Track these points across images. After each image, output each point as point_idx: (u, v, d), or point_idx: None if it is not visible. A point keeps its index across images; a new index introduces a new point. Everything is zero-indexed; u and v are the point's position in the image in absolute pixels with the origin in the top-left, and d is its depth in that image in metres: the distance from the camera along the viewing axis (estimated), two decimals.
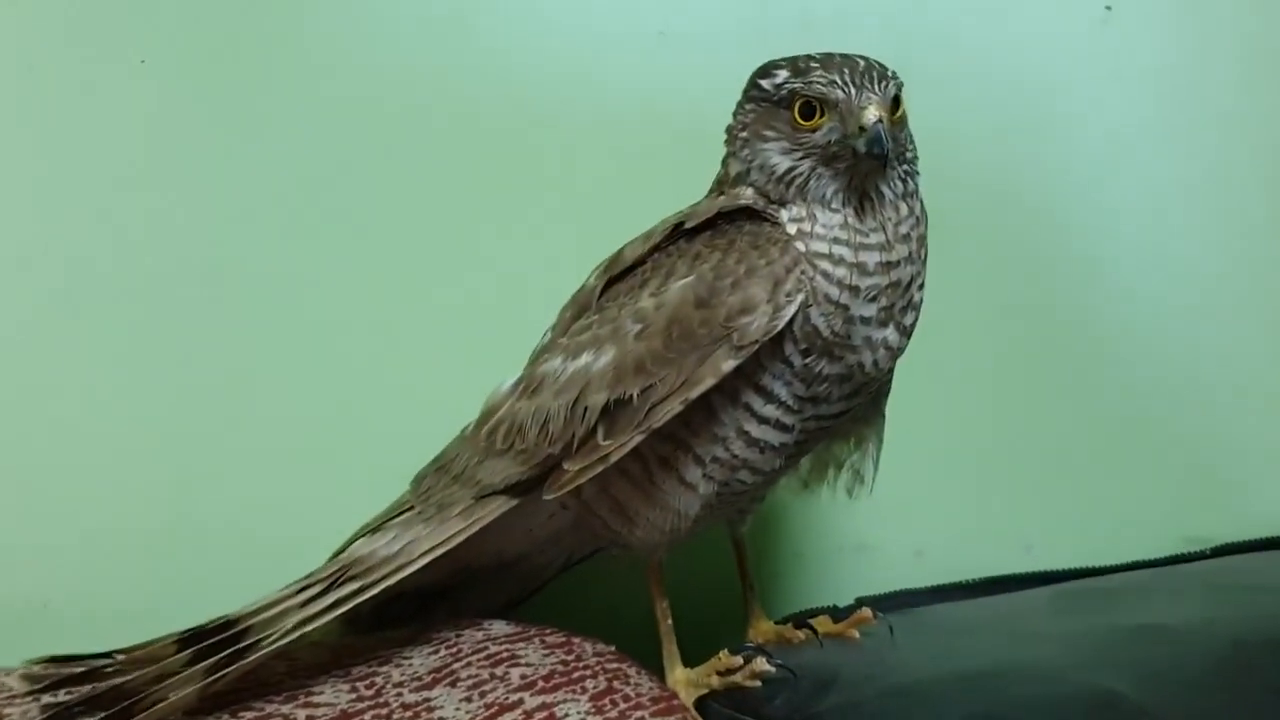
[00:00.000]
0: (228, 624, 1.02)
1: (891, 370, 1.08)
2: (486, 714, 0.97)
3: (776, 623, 1.22)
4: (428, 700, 0.99)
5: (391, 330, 1.38)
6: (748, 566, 1.23)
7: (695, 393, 0.97)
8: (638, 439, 0.99)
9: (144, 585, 1.31)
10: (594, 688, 1.01)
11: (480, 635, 1.10)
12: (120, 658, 1.04)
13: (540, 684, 1.01)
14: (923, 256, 1.03)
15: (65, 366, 1.34)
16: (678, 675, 1.10)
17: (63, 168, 1.35)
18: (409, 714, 0.98)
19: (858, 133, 0.95)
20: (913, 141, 1.04)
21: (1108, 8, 1.54)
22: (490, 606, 1.23)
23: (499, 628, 1.13)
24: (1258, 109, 1.61)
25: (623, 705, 0.99)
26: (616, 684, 1.02)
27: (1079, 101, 1.56)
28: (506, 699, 0.99)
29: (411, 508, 1.14)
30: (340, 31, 1.39)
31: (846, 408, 1.05)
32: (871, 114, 0.95)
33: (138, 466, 1.34)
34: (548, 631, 1.11)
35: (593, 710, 0.98)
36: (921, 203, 1.04)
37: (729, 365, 0.96)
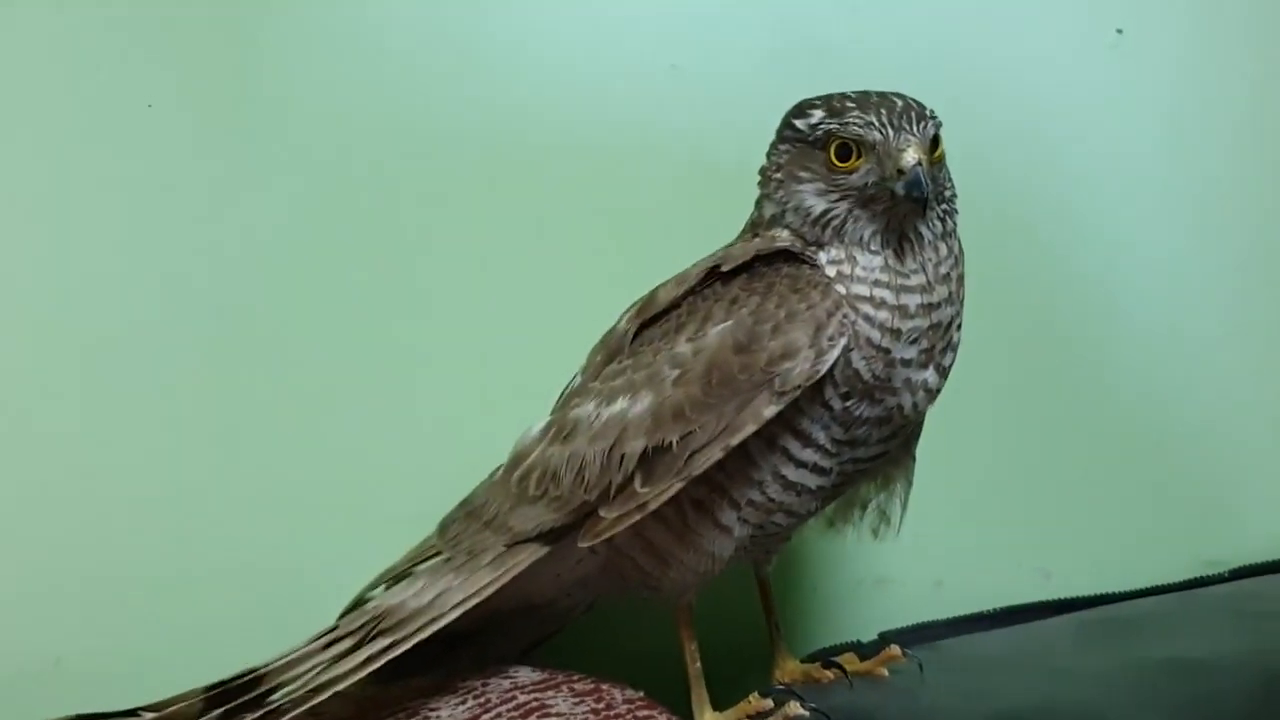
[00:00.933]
0: (254, 680, 1.02)
1: (925, 412, 1.08)
2: None
3: (801, 660, 1.21)
4: None
5: (411, 371, 1.39)
6: (773, 605, 1.22)
7: (736, 439, 0.96)
8: (677, 486, 0.98)
9: (158, 636, 1.30)
10: None
11: (507, 684, 1.09)
12: (147, 717, 1.03)
13: None
14: (961, 296, 1.03)
15: (70, 416, 1.33)
16: (708, 717, 1.08)
17: (69, 214, 1.35)
18: None
19: (896, 175, 0.95)
20: (951, 180, 1.04)
21: (1119, 31, 1.56)
22: (514, 649, 1.22)
23: (525, 675, 1.11)
24: (1269, 131, 1.63)
25: None
26: None
27: (1090, 123, 1.57)
28: None
29: (438, 553, 1.14)
30: (353, 71, 1.40)
31: (884, 450, 1.05)
32: (910, 156, 0.95)
33: (147, 516, 1.33)
34: (575, 678, 1.11)
35: None
36: (959, 241, 1.04)
37: (771, 411, 0.96)
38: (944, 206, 1.02)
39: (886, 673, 1.17)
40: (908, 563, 1.50)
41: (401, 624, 1.05)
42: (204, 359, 1.35)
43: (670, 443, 0.98)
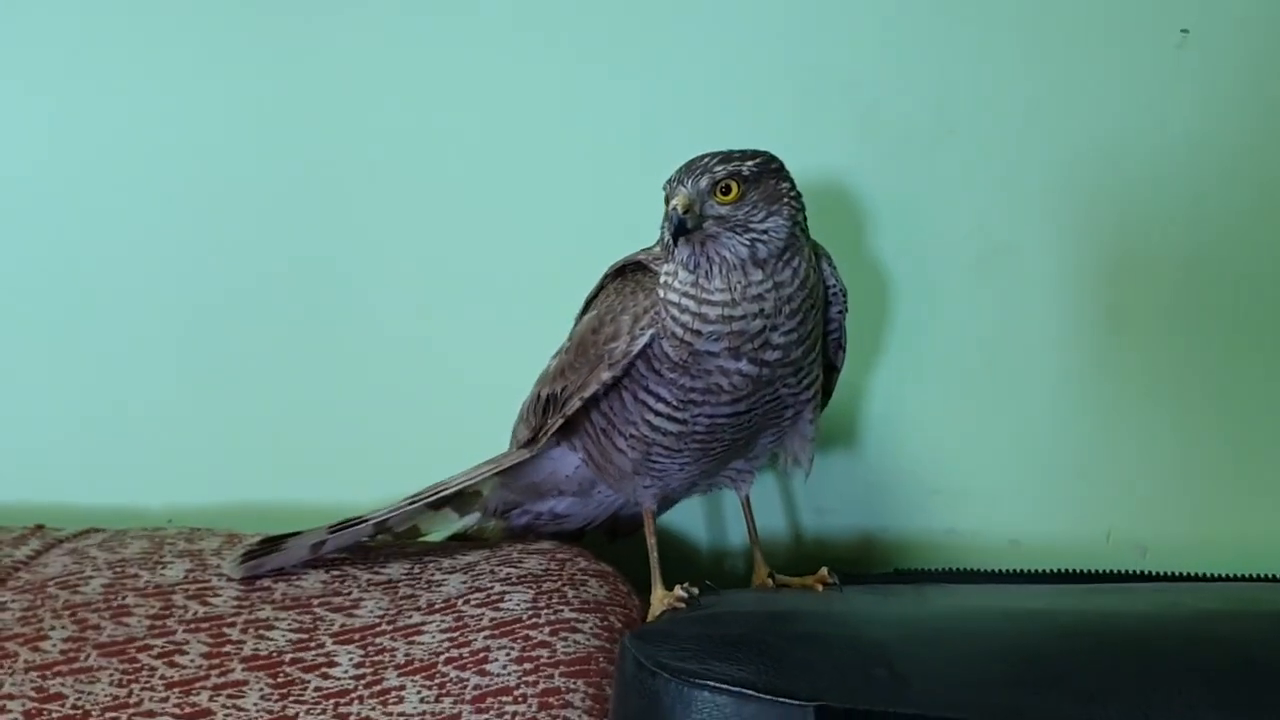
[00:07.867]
0: (359, 518, 1.50)
1: (785, 392, 1.32)
2: (468, 592, 1.40)
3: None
4: (446, 579, 1.44)
5: (478, 339, 1.76)
6: (753, 525, 1.50)
7: (588, 394, 1.32)
8: (560, 421, 1.38)
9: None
10: (548, 587, 1.39)
11: (519, 545, 1.52)
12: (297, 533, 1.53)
13: (515, 580, 1.41)
14: (785, 311, 1.25)
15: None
16: (658, 593, 1.38)
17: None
18: (429, 587, 1.43)
19: (670, 215, 1.24)
20: (770, 217, 1.24)
21: (1184, 30, 1.52)
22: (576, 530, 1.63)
23: (543, 545, 1.52)
24: None
25: (555, 600, 1.37)
26: (567, 588, 1.39)
27: None
28: (485, 585, 1.41)
29: None
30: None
31: (734, 411, 1.31)
32: (674, 202, 1.23)
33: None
34: (560, 550, 1.50)
35: (531, 600, 1.37)
36: (794, 269, 1.25)
37: (608, 376, 1.30)
38: (749, 237, 1.23)
39: (820, 588, 1.38)
40: (980, 518, 1.62)
41: (444, 485, 1.48)
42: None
43: (557, 392, 1.38)
